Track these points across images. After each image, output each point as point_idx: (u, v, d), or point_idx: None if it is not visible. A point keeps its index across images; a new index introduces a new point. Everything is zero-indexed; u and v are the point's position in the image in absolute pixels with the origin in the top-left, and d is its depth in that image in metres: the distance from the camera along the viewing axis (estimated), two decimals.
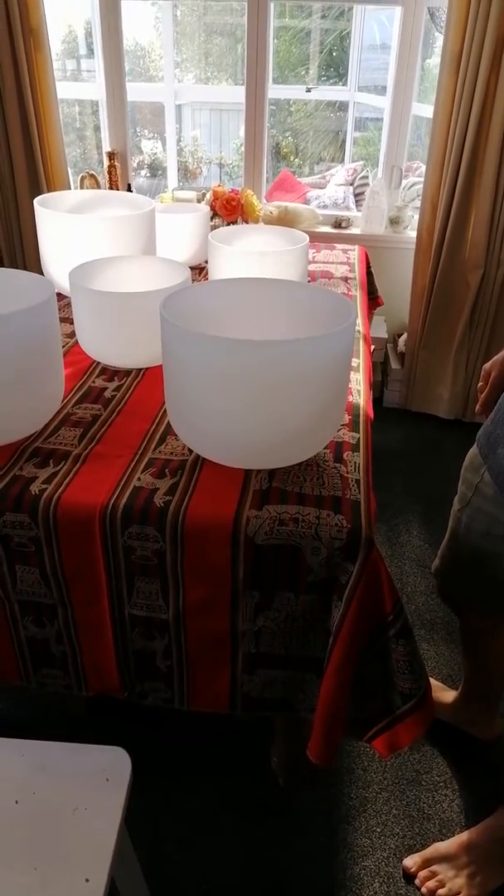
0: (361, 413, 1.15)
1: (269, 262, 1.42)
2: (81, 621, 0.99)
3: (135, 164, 4.62)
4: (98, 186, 2.71)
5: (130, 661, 1.02)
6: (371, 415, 1.17)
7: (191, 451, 1.01)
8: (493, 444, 1.02)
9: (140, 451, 1.01)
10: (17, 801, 0.80)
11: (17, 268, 2.30)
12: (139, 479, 0.94)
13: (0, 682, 1.10)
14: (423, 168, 2.46)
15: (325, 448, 1.03)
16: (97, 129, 3.07)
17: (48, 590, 0.97)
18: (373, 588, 0.89)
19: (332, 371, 0.89)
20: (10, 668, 1.07)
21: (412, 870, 1.17)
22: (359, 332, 1.47)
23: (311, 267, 1.93)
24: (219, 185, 2.44)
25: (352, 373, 1.28)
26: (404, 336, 2.75)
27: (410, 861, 1.18)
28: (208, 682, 1.03)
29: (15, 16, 2.30)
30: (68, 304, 1.55)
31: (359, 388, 1.23)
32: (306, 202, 2.94)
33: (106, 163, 2.71)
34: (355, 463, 1.00)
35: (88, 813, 0.79)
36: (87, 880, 0.72)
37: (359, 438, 1.07)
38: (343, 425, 1.09)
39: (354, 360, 1.34)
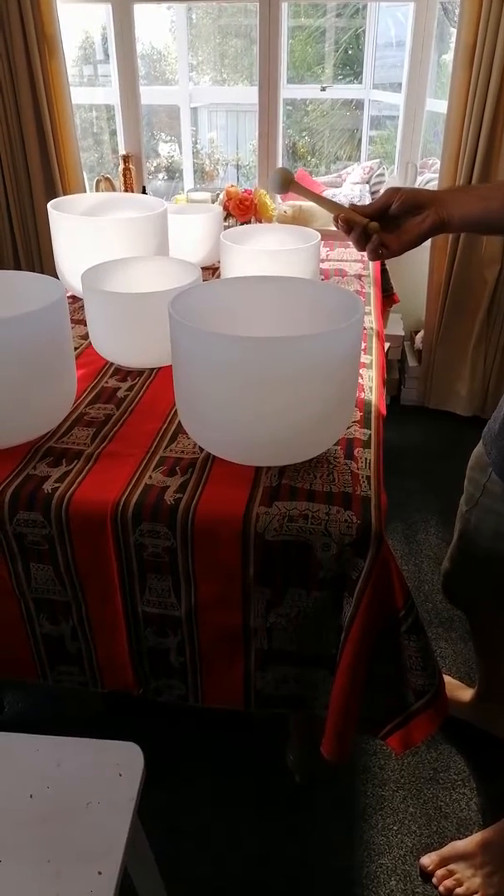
0: (373, 409, 1.14)
1: (281, 260, 1.43)
2: (95, 618, 1.01)
3: (152, 168, 4.66)
4: (113, 189, 2.73)
5: (144, 657, 1.03)
6: (384, 412, 1.17)
7: (201, 448, 1.01)
8: (497, 438, 1.01)
9: (151, 450, 1.02)
10: (31, 796, 0.81)
11: (34, 271, 2.33)
12: (150, 477, 0.95)
13: (18, 679, 1.12)
14: (439, 164, 2.44)
15: (335, 445, 1.03)
16: (114, 133, 3.10)
17: (62, 587, 0.98)
18: (383, 584, 0.89)
19: (341, 367, 0.89)
20: (27, 665, 1.09)
21: (429, 868, 1.16)
22: (371, 328, 1.46)
23: (325, 265, 1.93)
24: (232, 186, 2.45)
25: (364, 369, 1.28)
26: (421, 333, 2.73)
27: (427, 859, 1.17)
28: (222, 679, 1.04)
29: (30, 24, 2.33)
30: (83, 307, 1.56)
31: (371, 384, 1.23)
32: None
33: (121, 166, 2.73)
34: (366, 459, 1.00)
35: (101, 807, 0.79)
36: (99, 873, 0.73)
37: (370, 435, 1.06)
38: (354, 422, 1.09)
39: (367, 356, 1.34)
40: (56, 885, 0.72)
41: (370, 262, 1.97)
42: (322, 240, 1.57)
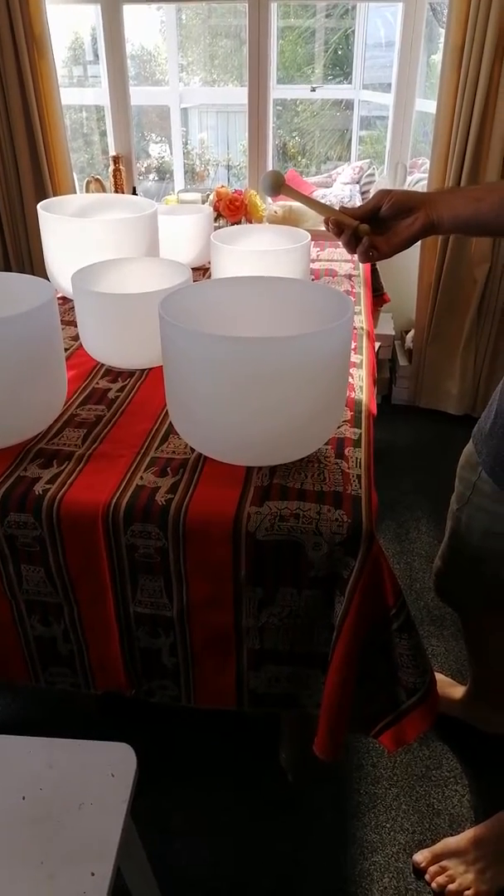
0: (363, 409, 1.15)
1: (271, 260, 1.43)
2: (87, 620, 1.00)
3: (143, 168, 4.65)
4: (103, 191, 2.73)
5: (137, 658, 1.03)
6: (374, 411, 1.17)
7: (192, 449, 1.01)
8: (488, 436, 1.02)
9: (142, 451, 1.02)
10: (23, 798, 0.81)
11: (24, 272, 2.33)
12: (141, 477, 0.95)
13: (10, 681, 1.12)
14: (428, 163, 2.45)
15: (326, 444, 1.03)
16: (104, 134, 3.09)
17: (54, 589, 0.98)
18: (374, 582, 0.90)
19: (331, 367, 0.90)
20: (18, 667, 1.08)
21: (422, 865, 1.17)
22: (362, 328, 1.47)
23: (315, 265, 1.93)
24: (222, 186, 2.45)
25: (354, 369, 1.28)
26: (412, 332, 2.74)
27: (420, 856, 1.18)
28: (214, 679, 1.04)
29: (18, 24, 2.33)
30: (73, 308, 1.56)
31: (361, 384, 1.23)
32: None
33: (111, 167, 2.73)
34: (357, 458, 1.00)
35: (94, 808, 0.80)
36: (92, 874, 0.73)
37: (361, 434, 1.07)
38: (345, 421, 1.10)
39: (357, 356, 1.34)
40: (49, 886, 0.72)
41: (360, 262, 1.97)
42: (312, 240, 1.57)
